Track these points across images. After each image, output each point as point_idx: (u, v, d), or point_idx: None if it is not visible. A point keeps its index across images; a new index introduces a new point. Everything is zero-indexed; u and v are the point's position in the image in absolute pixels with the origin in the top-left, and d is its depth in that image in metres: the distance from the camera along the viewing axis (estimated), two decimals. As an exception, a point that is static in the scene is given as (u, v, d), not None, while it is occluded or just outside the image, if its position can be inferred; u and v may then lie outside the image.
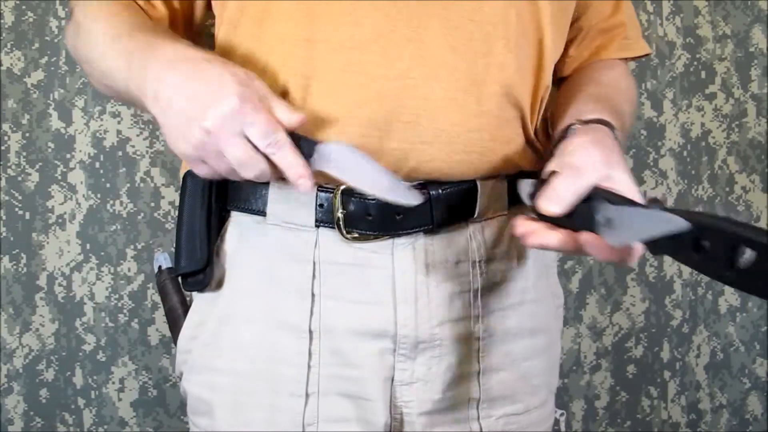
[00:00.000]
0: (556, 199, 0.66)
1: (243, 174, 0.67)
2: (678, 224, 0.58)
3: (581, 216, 0.65)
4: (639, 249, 0.65)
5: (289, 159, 0.66)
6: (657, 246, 0.61)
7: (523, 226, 0.68)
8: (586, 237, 0.65)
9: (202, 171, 0.68)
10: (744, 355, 1.83)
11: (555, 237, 0.66)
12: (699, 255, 0.58)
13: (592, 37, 0.88)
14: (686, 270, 1.80)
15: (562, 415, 0.89)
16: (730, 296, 1.82)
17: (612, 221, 0.63)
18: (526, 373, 0.82)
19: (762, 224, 1.82)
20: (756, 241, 0.55)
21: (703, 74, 1.78)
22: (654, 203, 0.62)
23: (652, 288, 1.78)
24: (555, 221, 0.67)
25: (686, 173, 1.79)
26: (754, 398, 1.84)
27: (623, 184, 0.67)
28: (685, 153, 1.79)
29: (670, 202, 1.76)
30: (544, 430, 0.85)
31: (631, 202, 0.64)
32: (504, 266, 0.80)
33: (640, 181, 1.76)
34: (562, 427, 0.89)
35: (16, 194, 1.60)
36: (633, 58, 0.92)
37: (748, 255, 0.55)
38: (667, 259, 1.79)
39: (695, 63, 1.77)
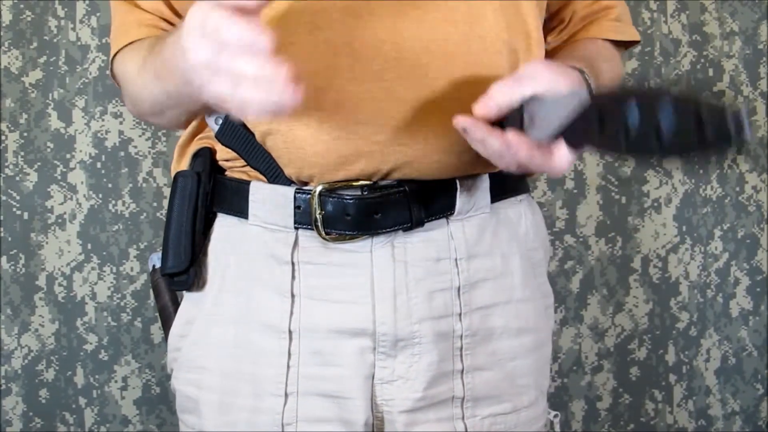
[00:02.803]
0: (488, 101, 0.68)
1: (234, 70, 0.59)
2: (581, 97, 0.62)
3: (513, 120, 0.68)
4: (560, 152, 0.66)
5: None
6: (572, 132, 0.63)
7: (463, 118, 0.69)
8: (510, 135, 0.67)
9: (219, 87, 0.61)
10: (757, 360, 1.81)
11: (482, 128, 0.68)
12: (604, 132, 0.60)
13: (574, 24, 0.88)
14: (693, 272, 1.78)
15: (556, 416, 0.89)
16: (742, 299, 1.80)
17: (533, 117, 0.66)
18: (512, 373, 0.81)
19: (771, 225, 1.80)
20: (638, 92, 0.57)
21: (710, 72, 1.76)
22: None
23: (656, 289, 1.77)
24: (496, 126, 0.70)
25: (694, 173, 1.77)
26: (767, 404, 1.81)
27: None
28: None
29: (676, 203, 1.75)
30: (535, 430, 0.84)
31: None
32: (488, 264, 0.79)
33: (643, 181, 1.75)
34: (557, 428, 0.88)
35: (14, 194, 1.61)
36: (621, 44, 0.90)
37: (635, 113, 0.57)
38: (672, 261, 1.77)
39: (702, 60, 1.75)
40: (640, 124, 0.57)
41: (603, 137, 0.61)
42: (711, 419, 1.80)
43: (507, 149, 0.67)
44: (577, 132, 0.63)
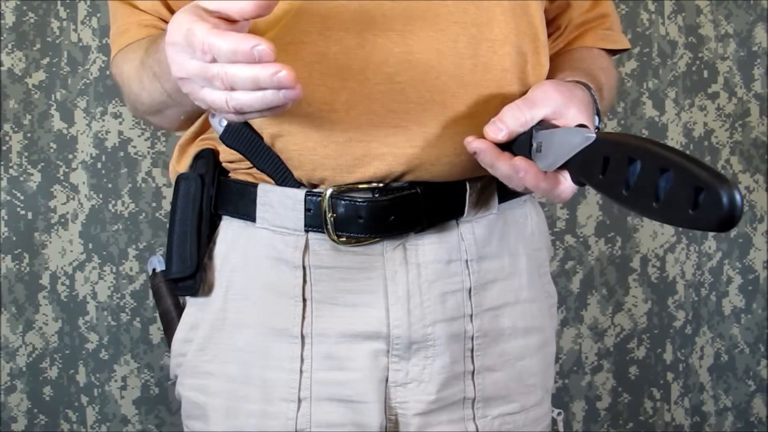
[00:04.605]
0: (500, 125, 0.69)
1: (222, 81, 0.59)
2: (586, 137, 0.63)
3: (521, 144, 0.69)
4: (566, 181, 0.67)
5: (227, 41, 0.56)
6: (575, 167, 0.64)
7: (477, 141, 0.70)
8: (518, 161, 0.68)
9: (212, 95, 0.61)
10: (749, 357, 1.82)
11: (491, 154, 0.70)
12: (605, 176, 0.61)
13: (569, 31, 0.88)
14: (689, 271, 1.79)
15: (559, 414, 0.89)
16: (735, 297, 1.81)
17: (542, 146, 0.67)
18: (521, 373, 0.82)
19: (765, 225, 1.81)
20: (646, 153, 0.57)
21: (705, 73, 1.77)
22: (580, 126, 0.65)
23: (655, 289, 1.78)
24: (504, 149, 0.70)
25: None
26: (759, 400, 1.83)
27: (574, 122, 0.68)
28: (687, 153, 1.78)
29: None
30: (541, 429, 0.85)
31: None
32: (496, 265, 0.80)
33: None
34: (560, 426, 0.89)
35: (18, 194, 1.61)
36: (612, 52, 0.91)
37: (636, 168, 0.58)
38: (670, 260, 1.79)
39: (697, 62, 1.77)
40: (639, 184, 0.58)
41: (603, 183, 0.61)
42: (705, 415, 1.82)
43: (515, 174, 0.68)
44: (580, 170, 0.64)
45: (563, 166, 0.66)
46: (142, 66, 0.74)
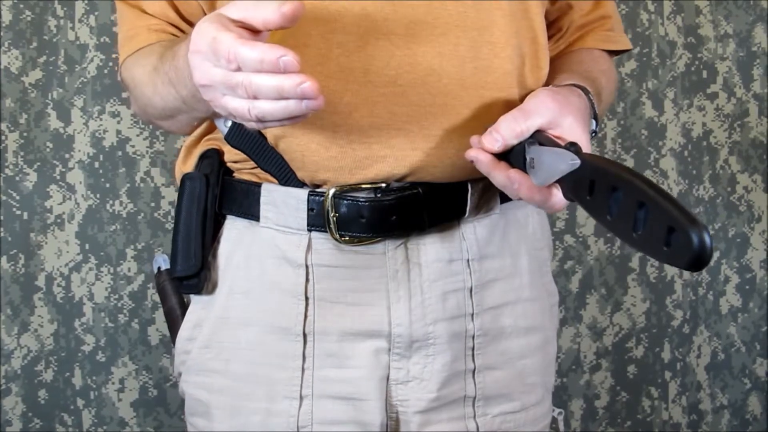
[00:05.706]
0: (496, 135, 0.70)
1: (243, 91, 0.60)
2: (570, 163, 0.64)
3: (517, 156, 0.70)
4: (558, 194, 0.68)
5: (253, 53, 0.57)
6: (565, 186, 0.66)
7: (474, 150, 0.71)
8: (513, 173, 0.69)
9: (234, 103, 0.62)
10: (745, 356, 1.83)
11: (487, 164, 0.70)
12: (592, 198, 0.62)
13: (570, 33, 0.89)
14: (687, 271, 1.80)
15: (560, 413, 0.90)
16: (732, 297, 1.82)
17: (535, 161, 0.68)
18: (521, 372, 0.83)
19: (763, 225, 1.82)
20: (628, 185, 0.58)
21: (704, 74, 1.78)
22: (570, 146, 0.66)
23: (653, 288, 1.78)
24: (502, 158, 0.71)
25: (687, 173, 1.79)
26: (754, 398, 1.84)
27: (570, 131, 0.69)
28: (686, 153, 1.79)
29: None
30: (541, 428, 0.86)
31: (554, 144, 0.68)
32: (497, 264, 0.80)
33: (640, 181, 1.75)
34: (561, 426, 0.89)
35: (14, 194, 1.60)
36: (613, 52, 0.92)
37: (619, 196, 0.59)
38: (668, 260, 1.79)
39: (696, 62, 1.77)
40: (621, 213, 0.59)
41: (591, 204, 0.63)
42: (702, 413, 1.83)
43: (510, 184, 0.69)
44: (570, 189, 0.66)
45: (555, 182, 0.67)
46: (155, 72, 0.74)
